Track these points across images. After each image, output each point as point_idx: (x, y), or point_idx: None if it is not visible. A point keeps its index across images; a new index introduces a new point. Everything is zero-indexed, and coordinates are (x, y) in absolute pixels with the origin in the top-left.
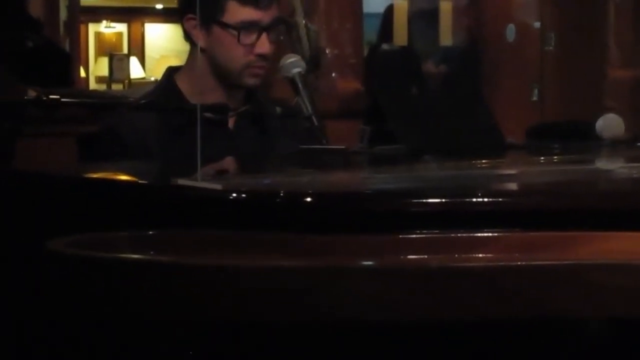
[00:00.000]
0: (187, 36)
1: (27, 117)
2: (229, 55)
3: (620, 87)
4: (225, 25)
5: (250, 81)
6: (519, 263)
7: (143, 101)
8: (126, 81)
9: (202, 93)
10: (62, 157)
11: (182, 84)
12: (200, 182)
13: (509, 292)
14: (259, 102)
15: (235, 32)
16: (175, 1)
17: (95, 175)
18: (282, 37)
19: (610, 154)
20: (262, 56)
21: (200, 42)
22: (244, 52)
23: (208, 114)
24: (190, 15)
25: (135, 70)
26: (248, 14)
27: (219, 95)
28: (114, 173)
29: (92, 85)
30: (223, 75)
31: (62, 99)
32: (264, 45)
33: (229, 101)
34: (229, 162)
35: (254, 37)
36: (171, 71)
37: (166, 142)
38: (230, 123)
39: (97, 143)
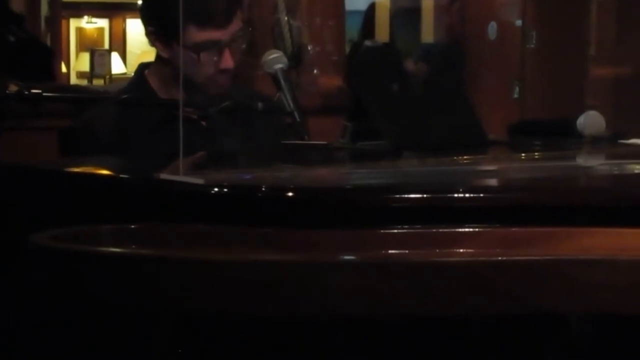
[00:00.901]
0: (150, 41)
1: (9, 111)
2: (191, 71)
3: (601, 84)
4: (185, 46)
5: (216, 90)
6: (500, 258)
7: (120, 97)
8: (107, 77)
9: (171, 92)
10: (44, 151)
11: (153, 80)
12: (182, 177)
13: (490, 287)
14: (238, 96)
15: (194, 54)
16: None
17: (78, 169)
18: (244, 45)
19: (591, 151)
20: (225, 71)
21: (163, 53)
22: (206, 68)
23: (188, 110)
24: (150, 28)
25: (117, 65)
26: (207, 35)
27: (188, 94)
28: (96, 167)
29: (73, 80)
30: (188, 83)
31: (44, 94)
32: (226, 60)
33: (197, 97)
34: (201, 156)
35: (214, 54)
36: (142, 67)
37: (141, 138)
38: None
39: (72, 139)
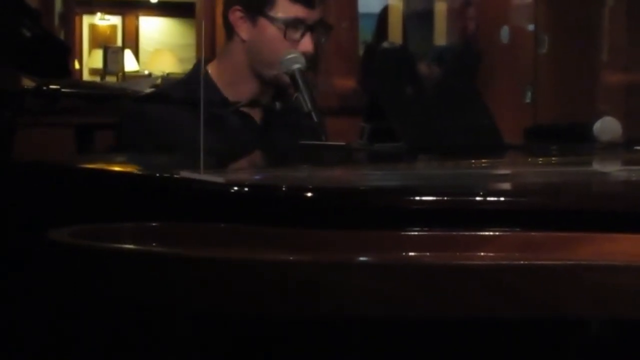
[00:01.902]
0: (229, 28)
1: (26, 107)
2: (271, 48)
3: (613, 90)
4: (273, 19)
5: (287, 78)
6: (520, 262)
7: (171, 90)
8: (120, 74)
9: (235, 85)
10: (59, 147)
11: (215, 75)
12: (202, 175)
13: (510, 291)
14: (288, 98)
15: (282, 27)
16: None
17: (96, 166)
18: (323, 40)
19: (607, 157)
20: (303, 54)
21: (243, 34)
22: (287, 47)
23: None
24: (236, 7)
25: (129, 63)
26: (297, 11)
27: (252, 88)
28: (118, 164)
29: (86, 77)
30: (261, 69)
31: (62, 90)
32: (307, 43)
33: (260, 96)
34: (256, 157)
35: (298, 34)
36: (203, 63)
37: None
38: (258, 118)
39: (120, 130)
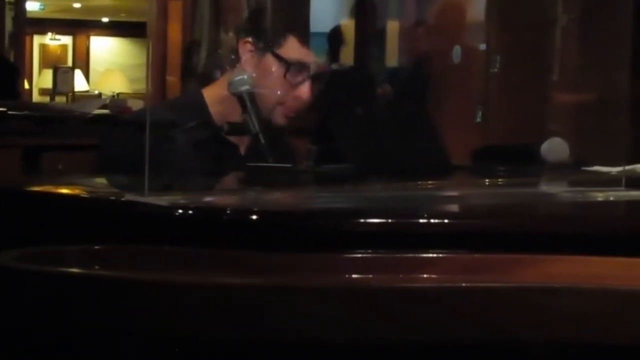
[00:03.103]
0: (234, 56)
1: None
2: (269, 85)
3: (564, 110)
4: (278, 57)
5: (278, 120)
6: (463, 284)
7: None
8: (70, 94)
9: (227, 113)
10: (6, 168)
11: (210, 100)
12: (146, 198)
13: (454, 313)
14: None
15: (285, 67)
16: (122, 16)
17: (43, 189)
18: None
19: (554, 178)
20: (299, 99)
21: (247, 66)
22: (284, 89)
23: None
24: (247, 39)
25: (80, 83)
26: (303, 54)
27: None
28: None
29: (36, 97)
30: (256, 104)
31: (9, 112)
32: (305, 90)
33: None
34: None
35: (299, 79)
36: (199, 87)
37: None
38: (244, 147)
39: (103, 153)
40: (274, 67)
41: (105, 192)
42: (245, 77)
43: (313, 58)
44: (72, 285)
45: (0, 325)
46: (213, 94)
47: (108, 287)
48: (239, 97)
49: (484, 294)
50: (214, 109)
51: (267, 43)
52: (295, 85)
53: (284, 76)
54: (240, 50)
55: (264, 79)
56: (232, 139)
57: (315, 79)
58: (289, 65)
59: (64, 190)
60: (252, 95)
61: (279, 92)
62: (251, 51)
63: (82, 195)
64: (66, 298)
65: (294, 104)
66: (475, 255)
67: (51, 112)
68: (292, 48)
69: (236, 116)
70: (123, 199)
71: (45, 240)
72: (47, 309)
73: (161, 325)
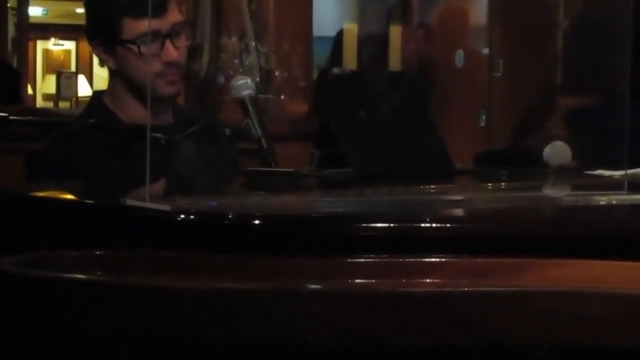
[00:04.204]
0: (101, 62)
1: None
2: (136, 70)
3: (567, 113)
4: (124, 42)
5: (167, 90)
6: (467, 289)
7: (85, 122)
8: (74, 99)
9: (127, 112)
10: (9, 174)
11: (111, 105)
12: (148, 203)
13: (457, 317)
14: (202, 121)
15: (134, 47)
16: None
17: (43, 195)
18: (191, 41)
19: (557, 182)
20: (170, 63)
21: (110, 64)
22: (150, 63)
23: (155, 135)
24: (95, 42)
25: (83, 88)
26: (143, 25)
27: (143, 112)
28: (62, 192)
29: (39, 102)
30: (139, 91)
31: (10, 117)
32: (169, 52)
33: (156, 118)
34: (162, 183)
35: (156, 46)
36: (98, 94)
37: (106, 163)
38: (162, 142)
39: (40, 162)
40: (127, 52)
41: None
42: (246, 81)
43: (154, 21)
44: (73, 291)
45: (1, 330)
46: (110, 96)
47: (109, 292)
48: (241, 102)
49: (486, 298)
50: (116, 110)
51: (109, 36)
52: (157, 54)
53: (140, 53)
54: (96, 53)
55: (128, 66)
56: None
57: (170, 36)
58: (137, 43)
59: (66, 196)
60: (253, 99)
61: (149, 68)
62: (104, 50)
63: (84, 201)
64: (67, 303)
65: (169, 69)
66: (478, 259)
67: (53, 117)
68: (131, 27)
69: (134, 111)
70: (125, 204)
71: (46, 245)
72: (47, 315)
73: (163, 331)
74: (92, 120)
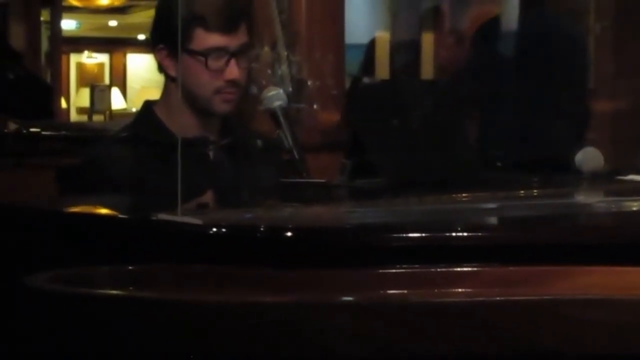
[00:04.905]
0: (160, 67)
1: (7, 149)
2: (198, 82)
3: (600, 119)
4: (192, 52)
5: (222, 107)
6: (498, 298)
7: (124, 134)
8: (107, 112)
9: (179, 123)
10: (41, 189)
11: (162, 115)
12: (180, 217)
13: (488, 327)
14: (239, 134)
15: (202, 59)
16: None
17: (75, 209)
18: (252, 64)
19: (589, 188)
20: (231, 82)
21: (171, 72)
22: (212, 78)
23: (192, 147)
24: (160, 46)
25: (117, 101)
26: (215, 40)
27: (195, 124)
28: (94, 207)
29: (73, 116)
30: (195, 103)
31: (43, 132)
32: (232, 71)
33: (206, 131)
34: (208, 196)
35: (222, 62)
36: (149, 104)
37: (149, 175)
38: (211, 155)
39: (79, 175)
40: (193, 63)
41: (138, 211)
42: (278, 92)
43: (225, 38)
44: (105, 307)
45: (35, 348)
46: (162, 107)
47: (141, 308)
48: (273, 113)
49: (517, 307)
50: (167, 121)
51: (178, 43)
52: (220, 71)
53: (206, 67)
54: (159, 59)
55: (190, 76)
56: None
57: (236, 55)
58: (204, 56)
59: (99, 211)
60: (284, 110)
61: (211, 83)
62: (168, 56)
63: (116, 216)
64: (99, 320)
65: (228, 87)
66: (509, 268)
67: (85, 132)
68: (202, 38)
69: (185, 123)
70: (157, 218)
71: (79, 261)
72: (80, 331)
73: (197, 346)
74: (135, 132)
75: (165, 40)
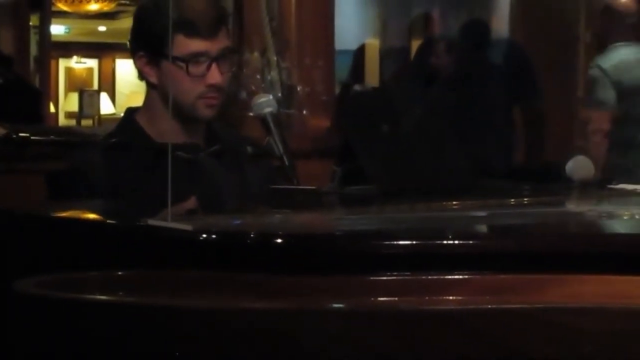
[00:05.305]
0: (141, 74)
1: None
2: (180, 88)
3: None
4: (173, 59)
5: (205, 112)
6: (489, 306)
7: (106, 141)
8: (96, 117)
9: (161, 130)
10: (30, 194)
11: (143, 123)
12: (170, 223)
13: (479, 335)
14: (228, 139)
15: (183, 65)
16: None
17: (64, 215)
18: (234, 69)
19: (579, 196)
20: (213, 86)
21: (152, 79)
22: (194, 83)
23: (179, 153)
24: (140, 53)
25: (106, 106)
26: (195, 45)
27: (177, 130)
28: (83, 212)
29: (62, 120)
30: (178, 109)
31: (32, 137)
32: (214, 75)
33: (189, 137)
34: (192, 202)
35: (203, 68)
36: (131, 111)
37: (130, 182)
38: (197, 161)
39: (64, 181)
40: (174, 69)
41: (125, 218)
42: (268, 99)
43: (206, 43)
44: (95, 312)
45: (23, 353)
46: (143, 115)
47: (131, 313)
48: (263, 119)
49: (510, 315)
50: (149, 129)
51: (158, 49)
52: (202, 76)
53: (188, 72)
54: (139, 66)
55: (172, 83)
56: (183, 154)
57: (217, 59)
58: (185, 62)
59: (87, 216)
60: (274, 117)
61: (193, 89)
62: (148, 63)
63: (106, 221)
64: (88, 325)
65: (211, 92)
66: (500, 276)
67: (74, 137)
68: (183, 44)
69: (168, 131)
70: (147, 224)
71: (68, 266)
72: (68, 337)
73: (187, 352)
74: (117, 139)
75: (145, 48)
